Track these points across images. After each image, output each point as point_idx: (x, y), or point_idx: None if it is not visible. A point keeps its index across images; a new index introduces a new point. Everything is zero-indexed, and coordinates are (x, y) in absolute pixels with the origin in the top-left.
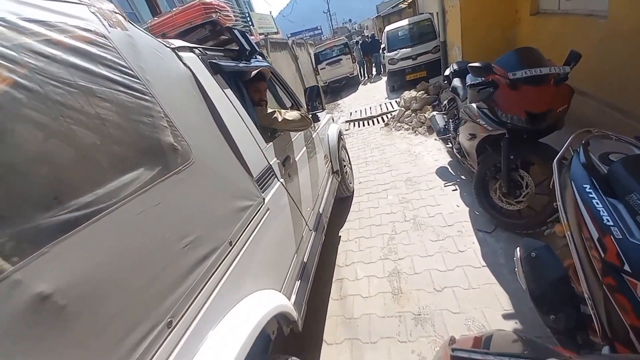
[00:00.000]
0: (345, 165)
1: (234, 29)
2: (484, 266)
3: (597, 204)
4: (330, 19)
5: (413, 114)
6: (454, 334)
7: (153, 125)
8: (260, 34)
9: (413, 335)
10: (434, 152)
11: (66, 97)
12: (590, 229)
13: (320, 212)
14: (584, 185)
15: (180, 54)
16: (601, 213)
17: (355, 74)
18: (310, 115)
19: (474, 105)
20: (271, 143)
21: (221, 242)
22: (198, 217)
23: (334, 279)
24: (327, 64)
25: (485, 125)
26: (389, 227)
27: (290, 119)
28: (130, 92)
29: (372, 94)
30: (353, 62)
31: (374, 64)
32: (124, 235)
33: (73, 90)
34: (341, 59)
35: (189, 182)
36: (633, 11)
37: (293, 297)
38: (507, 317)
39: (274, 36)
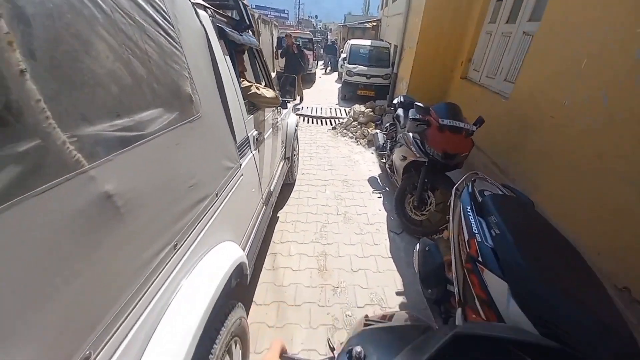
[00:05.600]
0: (294, 154)
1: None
2: (389, 257)
3: (471, 219)
4: (298, 8)
5: (359, 126)
6: (366, 311)
7: (179, 73)
8: None
9: (330, 302)
10: (369, 163)
11: (127, 27)
12: (464, 233)
13: (272, 190)
14: (467, 207)
15: (197, 9)
16: (472, 225)
17: (313, 71)
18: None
19: (410, 134)
20: (251, 116)
21: (212, 191)
22: (199, 165)
23: (268, 252)
24: None
25: (415, 152)
26: (323, 217)
27: (266, 95)
28: (167, 37)
29: (325, 96)
30: (314, 60)
31: (330, 62)
32: (157, 161)
33: (132, 24)
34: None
35: (197, 132)
36: (525, 101)
37: (246, 254)
38: (398, 293)
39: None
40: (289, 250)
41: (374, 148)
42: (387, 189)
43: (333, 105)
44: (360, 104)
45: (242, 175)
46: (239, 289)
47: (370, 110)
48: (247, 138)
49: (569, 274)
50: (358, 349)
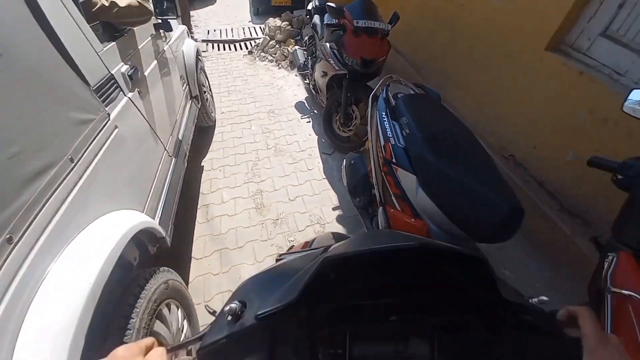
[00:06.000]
0: (205, 92)
1: None
2: (324, 178)
3: (386, 124)
4: None
5: (277, 45)
6: (306, 233)
7: None
8: None
9: (272, 234)
10: (294, 88)
11: None
12: (380, 139)
13: (180, 138)
14: (382, 113)
15: None
16: (387, 130)
17: None
18: (153, 11)
19: (327, 44)
20: (111, 44)
21: (60, 157)
22: (19, 126)
23: (199, 206)
24: None
25: (334, 65)
26: (252, 154)
27: (120, 4)
28: None
29: (234, 13)
30: None
31: None
32: None
33: None
34: None
35: None
36: None
37: (158, 218)
38: (334, 208)
39: None
40: (221, 198)
41: (296, 69)
42: (315, 111)
43: (246, 23)
44: (275, 17)
45: (116, 127)
46: (161, 254)
47: (287, 23)
48: (112, 77)
49: (466, 158)
50: (234, 305)
